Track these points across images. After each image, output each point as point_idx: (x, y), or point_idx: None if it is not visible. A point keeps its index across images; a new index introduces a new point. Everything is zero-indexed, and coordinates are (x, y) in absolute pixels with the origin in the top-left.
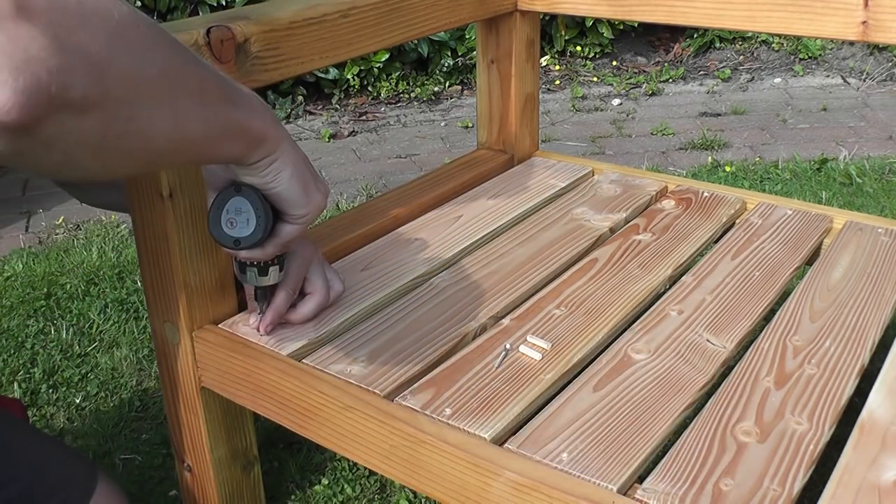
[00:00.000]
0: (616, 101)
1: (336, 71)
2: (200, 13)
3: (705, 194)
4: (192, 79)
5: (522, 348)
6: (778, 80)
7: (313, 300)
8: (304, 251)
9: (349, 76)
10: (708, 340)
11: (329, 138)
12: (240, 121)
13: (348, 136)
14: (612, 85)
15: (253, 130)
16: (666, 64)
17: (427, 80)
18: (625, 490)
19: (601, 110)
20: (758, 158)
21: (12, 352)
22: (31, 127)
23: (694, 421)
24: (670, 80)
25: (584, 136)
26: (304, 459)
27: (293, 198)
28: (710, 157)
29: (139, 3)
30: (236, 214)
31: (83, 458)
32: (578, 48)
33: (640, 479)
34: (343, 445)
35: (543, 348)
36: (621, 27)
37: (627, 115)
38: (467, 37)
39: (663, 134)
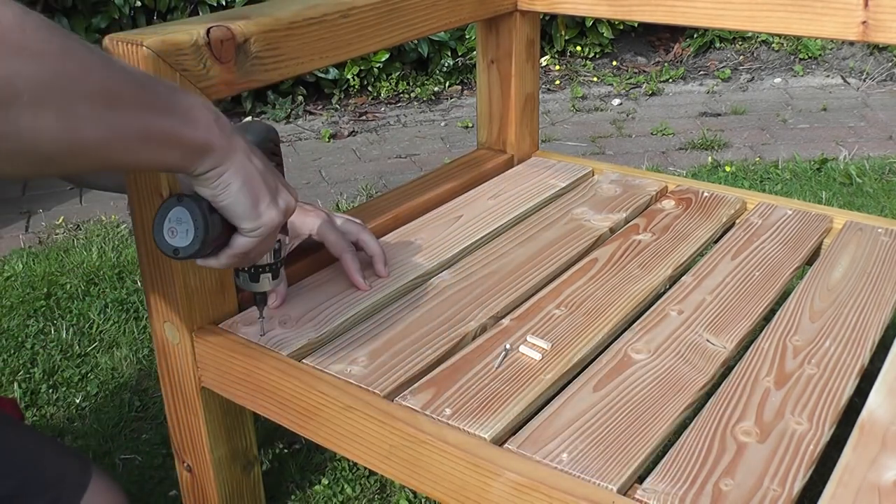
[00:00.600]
0: (616, 101)
1: (336, 71)
2: (200, 13)
3: (705, 194)
4: (93, 83)
5: (522, 348)
6: (778, 80)
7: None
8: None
9: (349, 76)
10: (708, 340)
11: (329, 138)
12: (167, 129)
13: (348, 136)
14: (612, 85)
15: (189, 140)
16: (666, 64)
17: (427, 80)
18: (625, 490)
19: (601, 110)
20: (758, 158)
21: (12, 352)
22: None
23: (694, 421)
24: (670, 80)
25: (584, 136)
26: (304, 459)
27: (241, 211)
28: (710, 157)
29: (139, 3)
30: (177, 224)
31: (77, 454)
32: (578, 48)
33: (640, 480)
34: (343, 445)
35: (543, 348)
36: (621, 27)
37: (627, 115)
38: (467, 37)
39: (663, 134)
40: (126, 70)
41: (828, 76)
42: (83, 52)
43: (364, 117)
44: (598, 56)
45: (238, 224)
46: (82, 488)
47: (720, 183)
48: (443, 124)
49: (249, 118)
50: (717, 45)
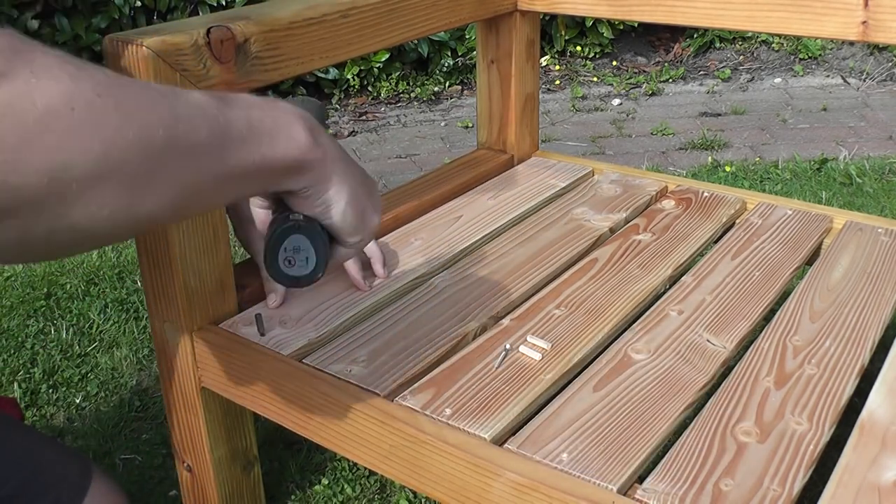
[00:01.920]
0: (616, 101)
1: (336, 71)
2: (200, 13)
3: (705, 194)
4: (157, 144)
5: (522, 348)
6: (778, 80)
7: (377, 263)
8: None
9: (349, 76)
10: (708, 340)
11: None
12: (250, 161)
13: (348, 136)
14: (612, 85)
15: (279, 163)
16: (666, 64)
17: (427, 80)
18: (625, 490)
19: (601, 110)
20: (758, 158)
21: (12, 352)
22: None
23: (694, 421)
24: (670, 80)
25: (584, 136)
26: (304, 459)
27: (349, 228)
28: (710, 157)
29: (139, 3)
30: (294, 253)
31: (78, 455)
32: (578, 48)
33: (640, 479)
34: (343, 445)
35: (543, 348)
36: (621, 27)
37: (627, 115)
38: (467, 37)
39: (663, 134)
40: (191, 103)
41: (828, 76)
42: (145, 105)
43: (364, 117)
44: (598, 56)
45: (343, 238)
46: (83, 490)
47: (720, 183)
48: (443, 124)
49: (301, 94)
50: (717, 45)
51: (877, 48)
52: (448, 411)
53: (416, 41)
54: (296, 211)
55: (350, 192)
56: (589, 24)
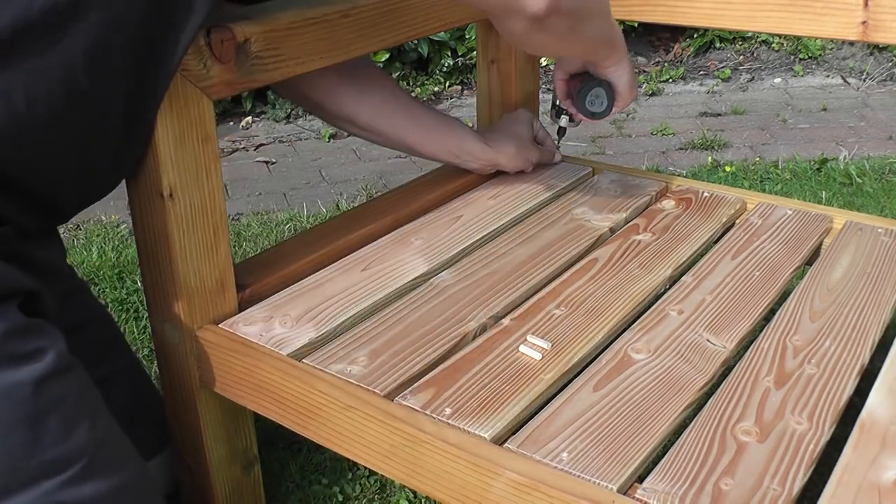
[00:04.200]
0: None
1: None
2: None
3: (705, 194)
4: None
5: (522, 348)
6: (778, 80)
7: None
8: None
9: None
10: (708, 340)
11: (329, 138)
12: (608, 35)
13: (348, 135)
14: None
15: (615, 44)
16: (666, 64)
17: (427, 80)
18: (625, 490)
19: None
20: (758, 158)
21: None
22: (545, 19)
23: (694, 421)
24: (670, 80)
25: (584, 136)
26: (304, 459)
27: (625, 91)
28: (710, 157)
29: None
30: (595, 98)
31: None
32: None
33: (640, 479)
34: (343, 445)
35: (543, 348)
36: (621, 27)
37: (627, 115)
38: (467, 37)
39: (663, 134)
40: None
41: (828, 76)
42: None
43: None
44: None
45: (620, 93)
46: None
47: (720, 183)
48: None
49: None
50: (717, 45)
51: (877, 48)
52: (448, 411)
53: (416, 41)
54: (596, 76)
55: (631, 70)
56: None
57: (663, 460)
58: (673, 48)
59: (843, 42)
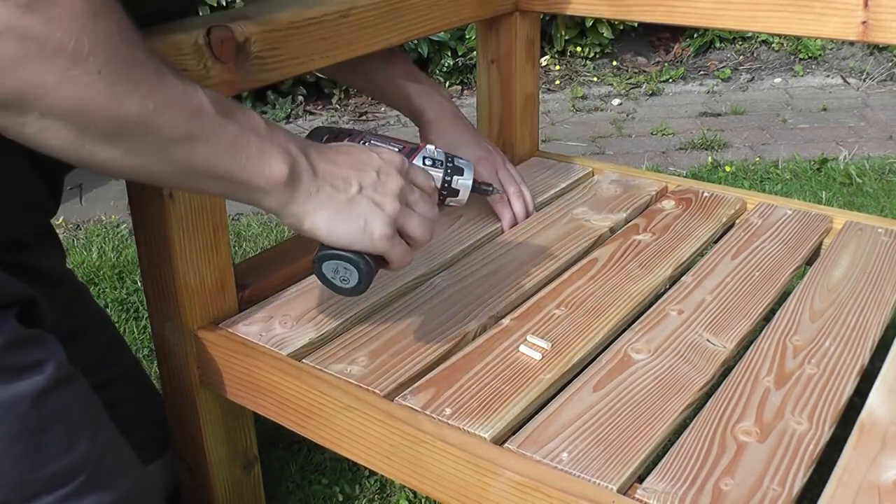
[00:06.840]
0: (616, 101)
1: None
2: (200, 13)
3: (705, 194)
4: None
5: (522, 348)
6: (778, 80)
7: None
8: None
9: None
10: (708, 340)
11: None
12: (214, 166)
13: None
14: (612, 85)
15: (239, 180)
16: (666, 64)
17: None
18: (625, 490)
19: (601, 110)
20: (758, 158)
21: None
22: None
23: (694, 421)
24: (670, 80)
25: (584, 136)
26: (304, 459)
27: (359, 246)
28: (710, 157)
29: None
30: (336, 273)
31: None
32: (578, 48)
33: (640, 479)
34: (343, 445)
35: (543, 348)
36: (621, 27)
37: (627, 115)
38: (467, 37)
39: (663, 134)
40: (188, 93)
41: (828, 76)
42: (146, 82)
43: (364, 117)
44: (598, 56)
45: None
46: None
47: (720, 183)
48: None
49: (302, 95)
50: (717, 45)
51: (877, 48)
52: (448, 411)
53: (416, 41)
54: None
55: (332, 211)
56: (589, 24)
57: (663, 460)
58: (673, 48)
59: (843, 42)
